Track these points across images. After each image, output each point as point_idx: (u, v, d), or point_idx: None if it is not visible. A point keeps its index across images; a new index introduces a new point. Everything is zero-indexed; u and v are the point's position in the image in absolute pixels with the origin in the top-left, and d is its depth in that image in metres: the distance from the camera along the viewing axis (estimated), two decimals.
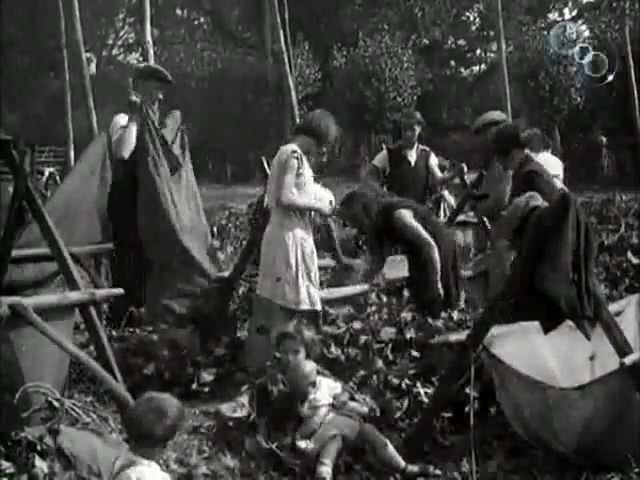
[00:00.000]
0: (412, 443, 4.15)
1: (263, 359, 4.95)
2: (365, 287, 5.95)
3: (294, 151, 5.44)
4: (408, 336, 5.06)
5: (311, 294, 5.36)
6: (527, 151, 5.99)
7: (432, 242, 5.87)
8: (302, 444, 4.05)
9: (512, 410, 4.08)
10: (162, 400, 3.20)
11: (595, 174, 25.60)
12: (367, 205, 5.99)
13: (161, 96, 6.24)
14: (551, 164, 8.69)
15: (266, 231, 5.51)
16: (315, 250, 5.50)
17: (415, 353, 4.88)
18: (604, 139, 26.71)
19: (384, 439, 4.03)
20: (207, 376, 5.19)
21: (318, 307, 5.39)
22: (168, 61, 29.24)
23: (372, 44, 30.76)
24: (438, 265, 5.85)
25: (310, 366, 4.31)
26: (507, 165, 5.98)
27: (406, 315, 5.37)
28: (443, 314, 5.53)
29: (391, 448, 3.99)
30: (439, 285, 5.86)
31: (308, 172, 5.54)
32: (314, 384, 4.22)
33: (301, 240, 5.39)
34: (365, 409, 4.25)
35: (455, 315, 5.52)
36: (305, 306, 5.31)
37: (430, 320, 5.28)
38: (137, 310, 5.69)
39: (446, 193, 9.38)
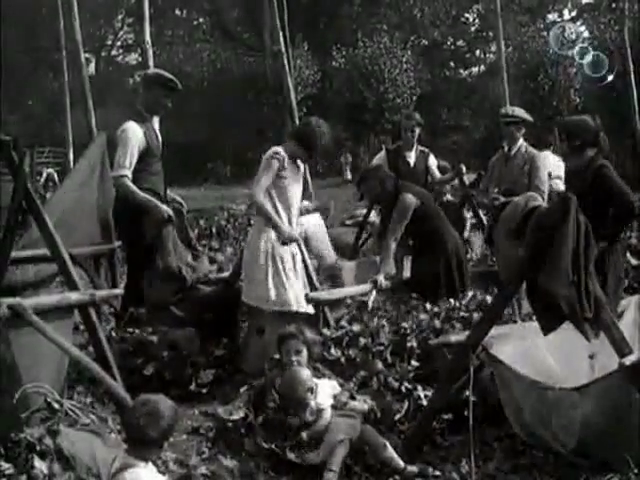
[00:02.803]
0: (411, 444, 4.15)
1: (260, 360, 4.96)
2: (366, 287, 5.96)
3: (276, 152, 5.52)
4: (409, 345, 5.05)
5: (281, 294, 5.37)
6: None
7: (392, 245, 6.07)
8: (311, 456, 4.02)
9: (512, 410, 4.08)
10: (157, 402, 3.20)
11: None
12: (382, 179, 6.35)
13: (170, 104, 6.17)
14: (554, 163, 8.68)
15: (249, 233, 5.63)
16: (301, 252, 5.55)
17: (415, 363, 4.87)
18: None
19: (383, 440, 4.03)
20: (207, 377, 5.19)
21: (296, 309, 5.40)
22: (167, 61, 29.25)
23: (371, 45, 30.82)
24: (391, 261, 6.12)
25: (306, 373, 4.25)
26: (577, 162, 5.50)
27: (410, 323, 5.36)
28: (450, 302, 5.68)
29: (390, 449, 3.99)
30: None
31: (292, 177, 5.54)
32: (312, 390, 4.19)
33: (275, 242, 5.42)
34: (366, 407, 4.25)
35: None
36: (277, 307, 5.33)
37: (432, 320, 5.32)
38: (137, 310, 5.70)
39: (448, 196, 9.39)
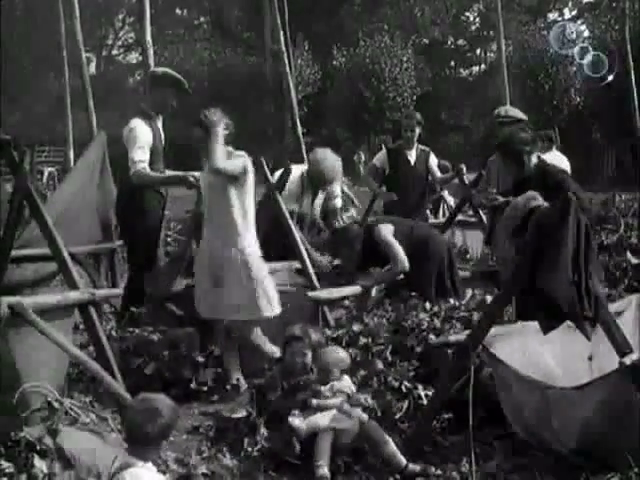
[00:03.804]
0: (412, 444, 4.15)
1: (262, 360, 4.96)
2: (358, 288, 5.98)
3: None
4: (409, 344, 5.06)
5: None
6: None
7: (406, 263, 5.95)
8: (295, 421, 4.05)
9: (512, 410, 4.09)
10: (155, 400, 3.21)
11: (595, 174, 25.62)
12: (350, 241, 6.10)
13: (175, 104, 6.15)
14: (557, 163, 8.70)
15: None
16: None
17: (415, 362, 4.87)
18: None
19: (386, 436, 4.03)
20: (207, 376, 5.19)
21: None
22: (168, 61, 29.23)
23: (372, 44, 30.82)
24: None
25: (342, 354, 4.34)
26: (524, 170, 5.56)
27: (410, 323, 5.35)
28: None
29: (392, 445, 3.98)
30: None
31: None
32: (342, 372, 4.25)
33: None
34: (366, 417, 4.24)
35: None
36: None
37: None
38: (137, 310, 5.70)
39: (446, 193, 9.41)
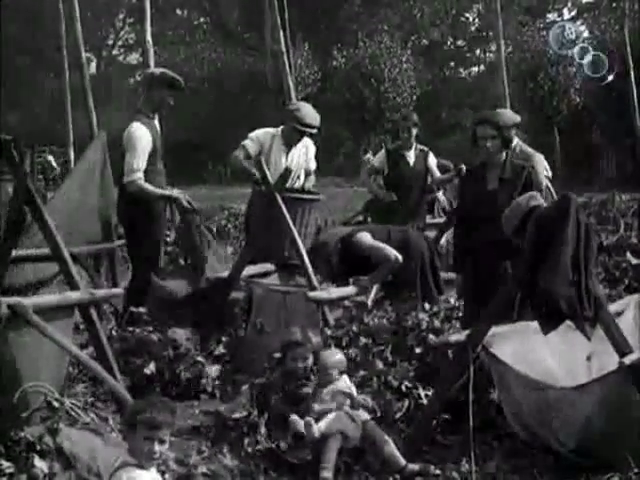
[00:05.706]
0: (411, 443, 4.15)
1: (262, 359, 4.97)
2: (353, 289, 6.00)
3: None
4: (409, 344, 5.06)
5: None
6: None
7: (397, 254, 5.98)
8: (313, 427, 4.02)
9: (511, 410, 4.09)
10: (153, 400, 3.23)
11: (595, 175, 25.63)
12: (328, 256, 6.10)
13: (172, 102, 6.19)
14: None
15: None
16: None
17: (416, 363, 4.87)
18: None
19: (385, 436, 4.04)
20: (207, 375, 5.19)
21: None
22: (168, 61, 29.24)
23: (371, 45, 30.86)
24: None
25: (340, 356, 4.34)
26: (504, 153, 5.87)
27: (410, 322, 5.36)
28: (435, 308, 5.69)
29: (392, 445, 3.99)
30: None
31: None
32: (341, 374, 4.24)
33: None
34: (367, 417, 4.25)
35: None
36: None
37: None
38: (137, 310, 5.71)
39: (440, 194, 9.40)
